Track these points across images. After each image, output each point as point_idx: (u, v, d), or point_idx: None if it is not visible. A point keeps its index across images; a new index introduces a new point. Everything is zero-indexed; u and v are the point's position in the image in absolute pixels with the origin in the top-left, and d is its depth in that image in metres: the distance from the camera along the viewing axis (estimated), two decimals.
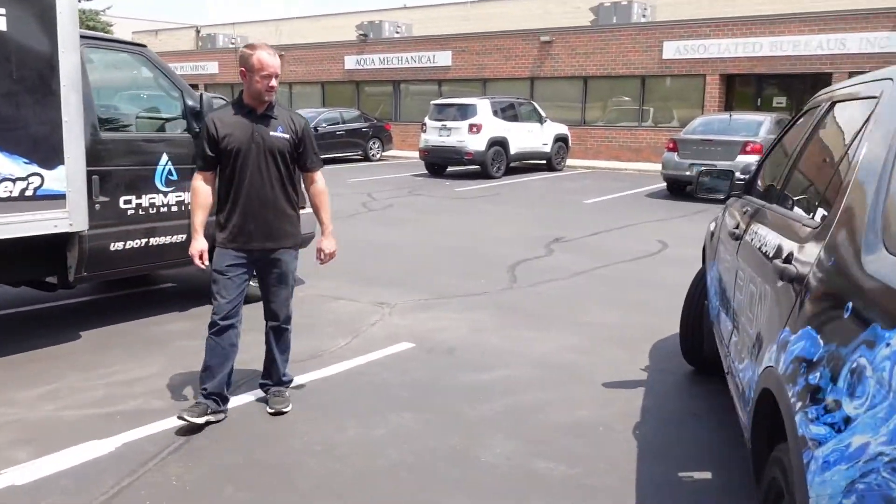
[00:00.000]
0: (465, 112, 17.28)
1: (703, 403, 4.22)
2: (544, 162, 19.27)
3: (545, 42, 22.65)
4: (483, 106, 17.32)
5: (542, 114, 19.02)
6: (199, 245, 3.80)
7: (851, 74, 17.62)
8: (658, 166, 15.35)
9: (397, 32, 28.23)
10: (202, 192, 3.83)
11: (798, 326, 1.93)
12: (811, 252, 2.07)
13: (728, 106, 20.37)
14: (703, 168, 4.01)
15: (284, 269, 3.95)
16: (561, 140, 19.49)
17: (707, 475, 3.39)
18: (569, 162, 20.29)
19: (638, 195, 14.64)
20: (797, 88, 19.68)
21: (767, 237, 2.62)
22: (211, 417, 3.79)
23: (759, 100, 20.24)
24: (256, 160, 3.74)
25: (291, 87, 28.84)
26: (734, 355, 3.01)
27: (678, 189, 14.55)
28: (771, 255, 2.47)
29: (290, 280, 4.00)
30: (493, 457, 3.52)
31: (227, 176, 3.79)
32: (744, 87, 20.62)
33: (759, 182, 3.80)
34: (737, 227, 3.32)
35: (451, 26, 27.64)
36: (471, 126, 16.97)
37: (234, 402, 4.09)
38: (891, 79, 2.18)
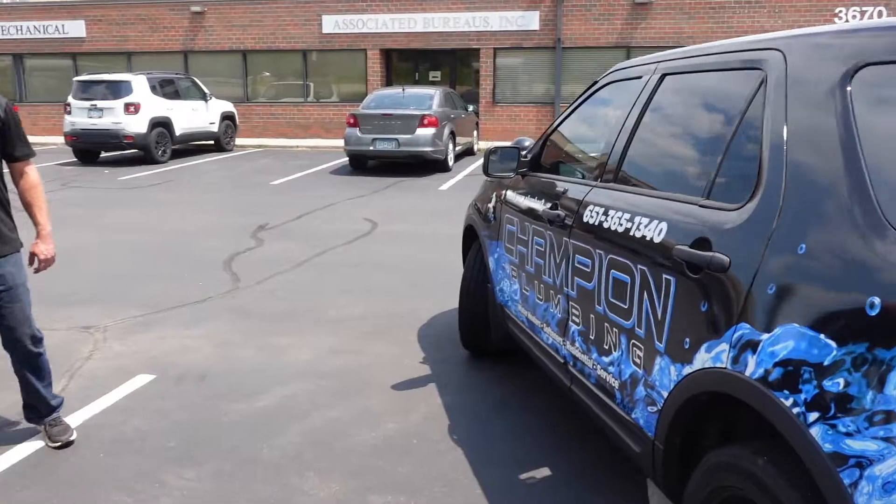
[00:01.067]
0: (117, 90, 15.23)
1: (504, 390, 4.06)
2: (212, 142, 17.96)
3: (196, 13, 21.00)
4: (139, 82, 15.44)
5: (206, 91, 17.63)
6: None
7: (497, 50, 19.21)
8: (331, 142, 15.19)
9: None
10: None
11: (769, 324, 1.74)
12: (749, 238, 1.89)
13: (389, 81, 20.94)
14: (491, 147, 3.79)
15: (12, 283, 3.22)
16: (228, 118, 18.32)
17: (546, 471, 3.21)
18: (237, 141, 19.20)
19: (322, 173, 14.32)
20: (449, 63, 20.94)
21: (638, 220, 2.43)
22: None
23: (416, 74, 21.14)
24: None
25: None
26: (584, 348, 2.82)
27: (361, 164, 14.55)
28: (658, 241, 2.27)
29: (21, 294, 3.26)
30: None
31: None
32: (403, 62, 21.35)
33: (562, 158, 3.67)
34: (555, 209, 3.13)
35: None
36: (127, 105, 15.03)
37: None
38: (778, 49, 2.08)
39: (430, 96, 14.43)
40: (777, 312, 1.73)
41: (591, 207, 2.82)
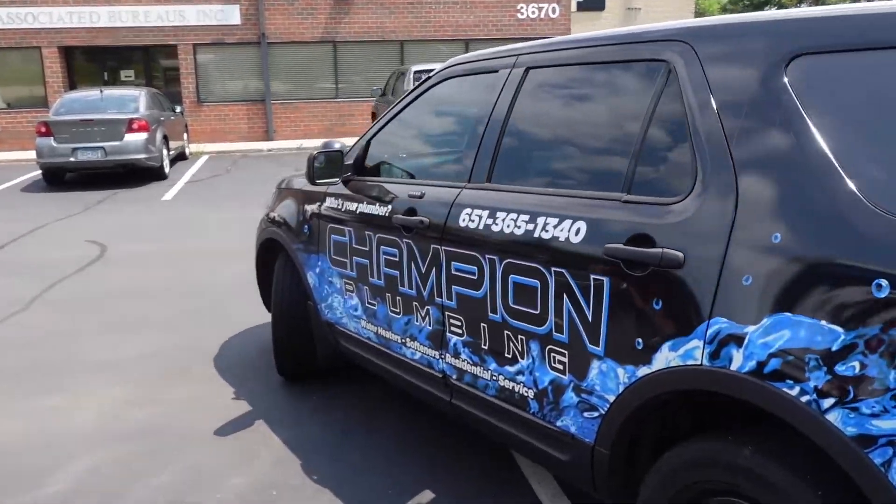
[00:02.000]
0: None
1: (344, 414, 3.74)
2: None
3: None
4: None
5: None
6: None
7: (197, 46, 18.04)
8: (8, 155, 13.12)
9: None
10: None
11: (753, 316, 1.73)
12: (703, 232, 1.87)
13: (72, 83, 18.62)
14: (314, 151, 3.39)
15: None
16: None
17: (430, 494, 3.00)
18: None
19: (11, 191, 12.29)
20: (142, 61, 19.20)
21: (542, 221, 2.31)
22: None
23: (105, 74, 19.06)
24: None
25: None
26: (476, 359, 2.66)
27: (59, 178, 12.75)
28: (577, 242, 2.18)
29: None
30: None
31: None
32: (88, 62, 19.10)
33: (399, 160, 3.42)
34: (412, 214, 2.90)
35: None
36: None
37: None
38: (683, 41, 2.09)
39: (134, 98, 13.09)
40: (760, 304, 1.73)
41: (467, 210, 2.65)
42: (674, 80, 2.09)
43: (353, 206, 3.37)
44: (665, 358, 1.94)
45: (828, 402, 1.59)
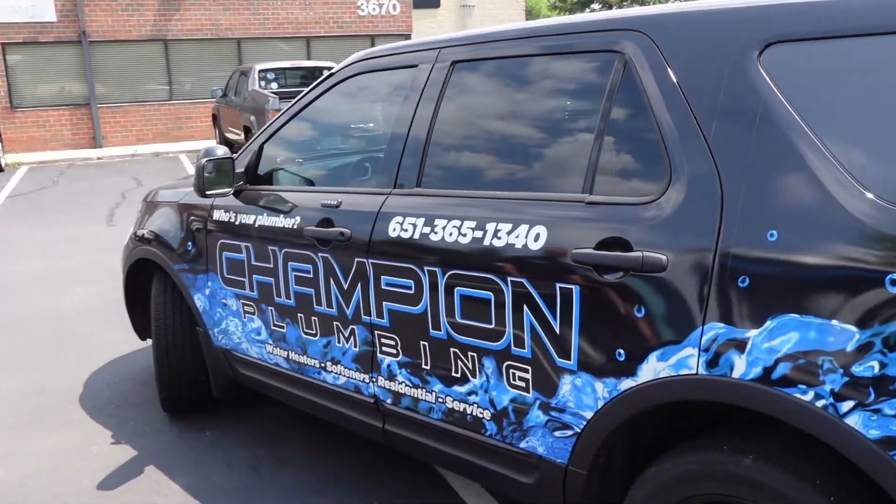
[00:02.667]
0: None
1: (248, 452, 3.37)
2: None
3: None
4: None
5: None
6: None
7: (7, 46, 16.30)
8: None
9: None
10: None
11: (755, 319, 1.63)
12: (686, 232, 1.76)
13: None
14: (201, 160, 2.96)
15: None
16: None
17: None
18: None
19: None
20: None
21: (492, 227, 2.12)
22: None
23: None
24: None
25: None
26: (416, 381, 2.43)
27: None
28: (537, 248, 2.01)
29: None
30: None
31: None
32: None
33: (301, 166, 3.08)
34: (328, 225, 2.61)
35: None
36: None
37: None
38: (638, 31, 1.97)
39: None
40: (761, 306, 1.64)
41: (397, 219, 2.41)
42: (631, 72, 1.97)
43: (250, 218, 3.02)
44: (653, 369, 1.82)
45: (846, 406, 1.52)
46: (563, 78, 2.19)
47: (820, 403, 1.55)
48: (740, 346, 1.66)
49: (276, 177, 3.15)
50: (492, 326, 2.17)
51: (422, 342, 2.39)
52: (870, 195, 1.52)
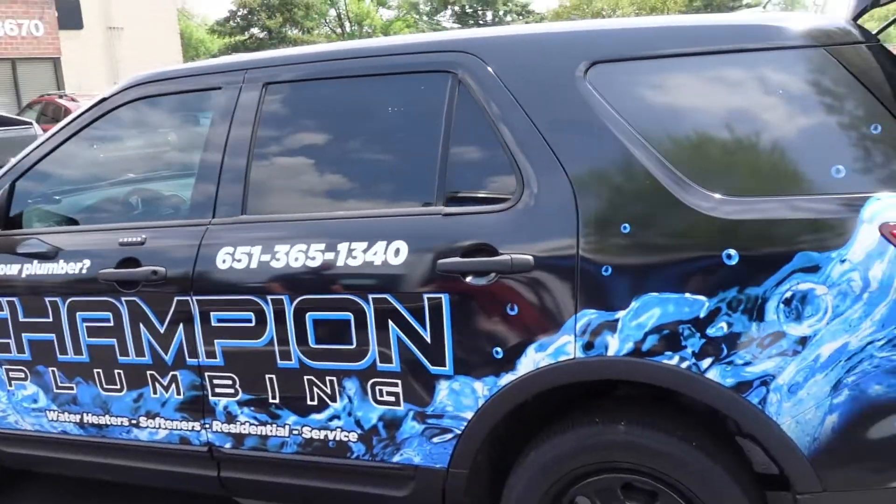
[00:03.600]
0: None
1: None
2: None
3: None
4: None
5: None
6: None
7: None
8: None
9: None
10: None
11: (621, 302, 1.88)
12: (544, 233, 1.95)
13: None
14: None
15: None
16: None
17: None
18: None
19: None
20: None
21: (344, 247, 2.09)
22: None
23: None
24: None
25: None
26: (264, 418, 2.30)
27: None
28: (398, 263, 2.06)
29: None
30: None
31: None
32: None
33: (71, 203, 2.65)
34: (133, 264, 2.34)
35: None
36: None
37: None
38: (468, 52, 2.13)
39: None
40: (624, 290, 1.89)
41: (227, 250, 2.27)
42: (465, 90, 2.11)
43: (11, 269, 2.58)
44: (532, 360, 1.98)
45: (706, 363, 1.84)
46: (398, 97, 2.27)
47: (684, 365, 1.85)
48: (612, 326, 1.89)
49: (30, 218, 2.73)
50: (353, 347, 2.16)
51: (268, 376, 2.28)
52: (700, 188, 1.85)
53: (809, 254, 1.76)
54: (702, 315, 1.83)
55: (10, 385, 2.67)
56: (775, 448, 1.83)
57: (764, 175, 1.88)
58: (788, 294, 1.78)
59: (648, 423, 1.97)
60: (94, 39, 28.55)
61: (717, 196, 1.84)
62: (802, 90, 1.87)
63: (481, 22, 32.24)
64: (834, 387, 1.78)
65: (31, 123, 10.55)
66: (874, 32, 2.07)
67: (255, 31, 31.50)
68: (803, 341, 1.78)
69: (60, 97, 13.20)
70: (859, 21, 2.04)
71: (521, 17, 31.79)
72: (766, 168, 1.88)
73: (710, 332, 1.83)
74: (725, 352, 1.82)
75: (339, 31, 41.46)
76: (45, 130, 10.63)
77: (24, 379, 2.64)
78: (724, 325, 1.82)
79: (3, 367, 2.66)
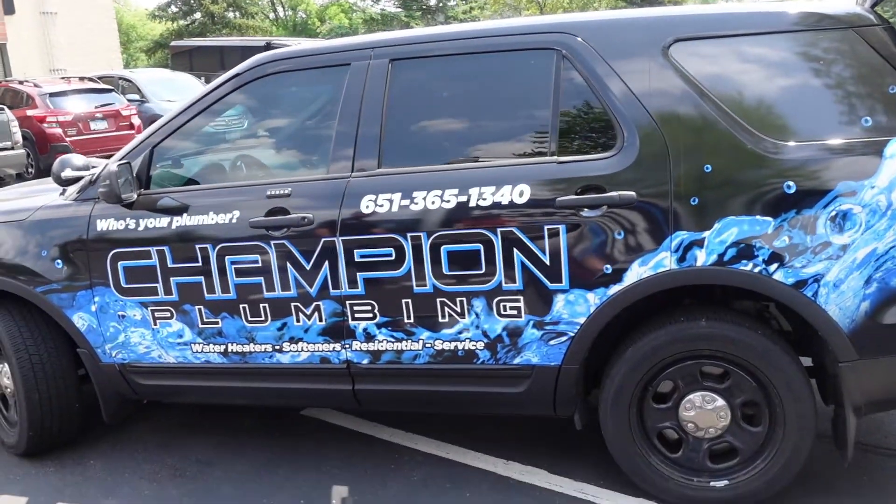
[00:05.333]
0: None
1: (170, 459, 3.26)
2: None
3: None
4: None
5: None
6: None
7: None
8: None
9: None
10: None
11: (706, 224, 2.45)
12: (644, 174, 2.51)
13: None
14: (112, 164, 2.73)
15: None
16: None
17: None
18: None
19: None
20: None
21: (475, 192, 2.60)
22: None
23: None
24: None
25: None
26: (400, 335, 2.79)
27: None
28: (524, 201, 2.58)
29: None
30: None
31: None
32: None
33: (220, 163, 3.06)
34: (280, 213, 2.79)
35: None
36: None
37: None
38: (569, 33, 2.66)
39: None
40: (708, 214, 2.47)
41: (370, 197, 2.76)
42: (568, 63, 2.65)
43: (162, 222, 2.99)
44: (636, 273, 2.54)
45: (773, 267, 2.44)
46: (512, 70, 2.79)
47: (756, 270, 2.44)
48: (699, 243, 2.47)
49: (171, 179, 3.15)
50: (481, 272, 2.68)
51: (404, 300, 2.78)
52: (765, 136, 2.44)
53: (848, 182, 2.38)
54: (769, 231, 2.43)
55: (156, 324, 3.09)
56: (824, 328, 2.45)
57: (812, 125, 2.49)
58: (833, 213, 2.40)
59: (724, 318, 2.57)
60: (24, 23, 27.72)
61: (778, 142, 2.44)
62: (838, 61, 2.49)
63: (423, 6, 32.63)
64: (866, 281, 2.41)
65: (2, 108, 10.57)
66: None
67: (197, 15, 31.06)
68: (844, 248, 2.40)
69: (21, 83, 13.04)
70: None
71: (464, 1, 32.29)
72: (814, 120, 2.49)
73: (776, 244, 2.43)
74: (787, 258, 2.42)
75: (271, 16, 41.17)
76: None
77: (170, 318, 3.06)
78: (785, 238, 2.42)
79: (149, 308, 3.07)
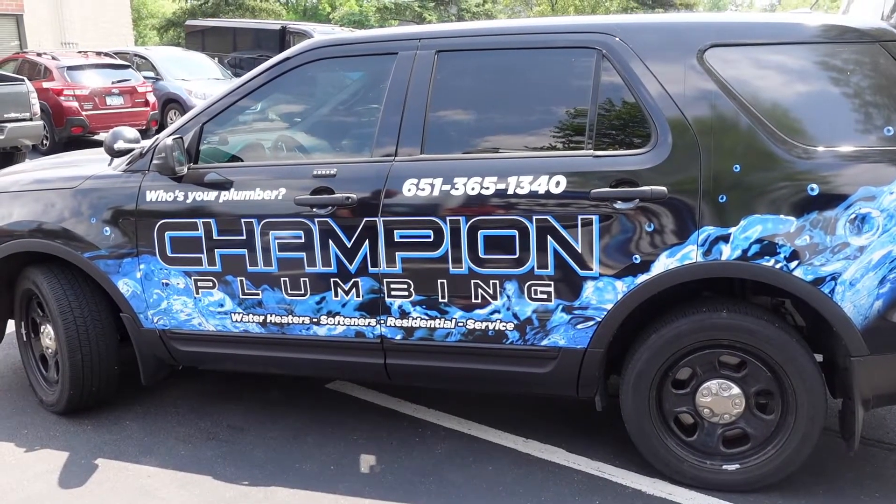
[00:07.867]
0: None
1: (203, 423, 3.42)
2: None
3: None
4: None
5: None
6: None
7: None
8: None
9: None
10: None
11: (732, 220, 2.60)
12: (675, 170, 2.65)
13: None
14: (167, 138, 2.88)
15: None
16: None
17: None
18: None
19: None
20: None
21: (514, 180, 2.75)
22: None
23: None
24: None
25: None
26: (434, 313, 2.94)
27: None
28: (559, 192, 2.73)
29: None
30: None
31: None
32: None
33: (264, 142, 3.21)
34: (325, 192, 2.93)
35: None
36: None
37: None
38: (610, 33, 2.81)
39: None
40: (735, 211, 2.62)
41: (412, 181, 2.90)
42: (608, 62, 2.80)
43: (209, 195, 3.14)
44: (664, 264, 2.69)
45: (793, 264, 2.59)
46: (552, 66, 2.93)
47: (778, 266, 2.60)
48: (725, 238, 2.63)
49: (217, 155, 3.29)
50: (515, 256, 2.83)
51: (440, 280, 2.93)
52: (792, 140, 2.59)
53: (869, 187, 2.53)
54: (791, 230, 2.58)
55: (198, 293, 3.24)
56: (838, 324, 2.60)
57: (837, 132, 2.63)
58: (853, 215, 2.55)
59: (744, 310, 2.72)
60: None
61: (805, 146, 2.59)
62: (863, 72, 2.64)
63: None
64: (880, 281, 2.56)
65: (23, 80, 10.69)
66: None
67: None
68: (861, 249, 2.56)
69: (39, 55, 13.14)
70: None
71: None
72: (839, 127, 2.64)
73: (797, 242, 2.58)
74: (807, 256, 2.58)
75: None
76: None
77: (212, 287, 3.21)
78: (807, 237, 2.57)
79: (193, 277, 3.22)
